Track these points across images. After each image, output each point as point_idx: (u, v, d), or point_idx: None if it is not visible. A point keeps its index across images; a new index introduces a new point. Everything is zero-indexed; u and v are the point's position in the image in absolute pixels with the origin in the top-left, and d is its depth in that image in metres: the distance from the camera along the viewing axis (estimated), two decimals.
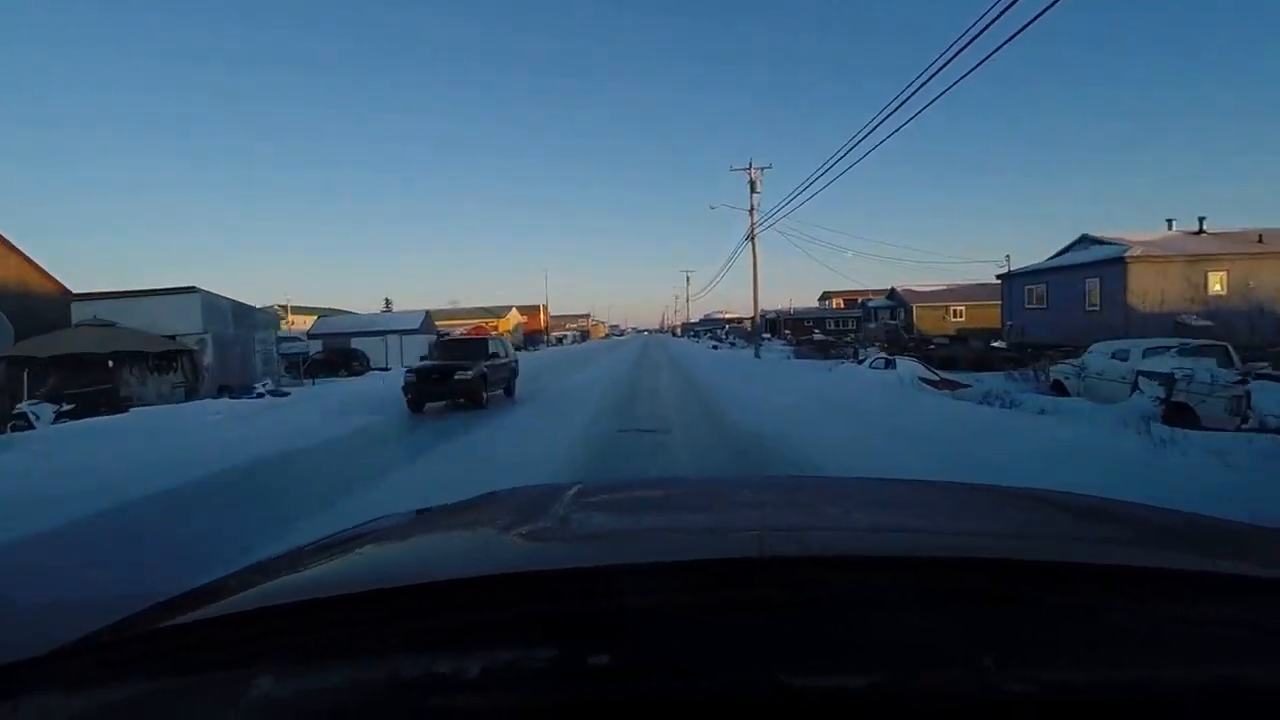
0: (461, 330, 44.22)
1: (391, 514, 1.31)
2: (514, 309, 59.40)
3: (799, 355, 29.70)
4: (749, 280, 29.91)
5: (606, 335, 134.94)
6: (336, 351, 29.68)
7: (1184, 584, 0.69)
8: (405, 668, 0.56)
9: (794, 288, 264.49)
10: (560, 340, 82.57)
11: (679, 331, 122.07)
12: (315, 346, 31.23)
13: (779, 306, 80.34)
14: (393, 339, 31.91)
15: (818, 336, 60.47)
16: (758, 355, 29.74)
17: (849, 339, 54.10)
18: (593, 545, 1.03)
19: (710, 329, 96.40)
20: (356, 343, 31.40)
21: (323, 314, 56.96)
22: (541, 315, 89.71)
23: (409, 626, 0.63)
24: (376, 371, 28.68)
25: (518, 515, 1.20)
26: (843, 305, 73.89)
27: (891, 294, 44.50)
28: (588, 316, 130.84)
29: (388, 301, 41.48)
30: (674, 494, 1.53)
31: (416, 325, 32.58)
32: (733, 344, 57.94)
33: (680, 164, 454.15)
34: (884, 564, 0.75)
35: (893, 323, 41.29)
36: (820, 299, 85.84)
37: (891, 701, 0.50)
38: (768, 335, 67.88)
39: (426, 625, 0.63)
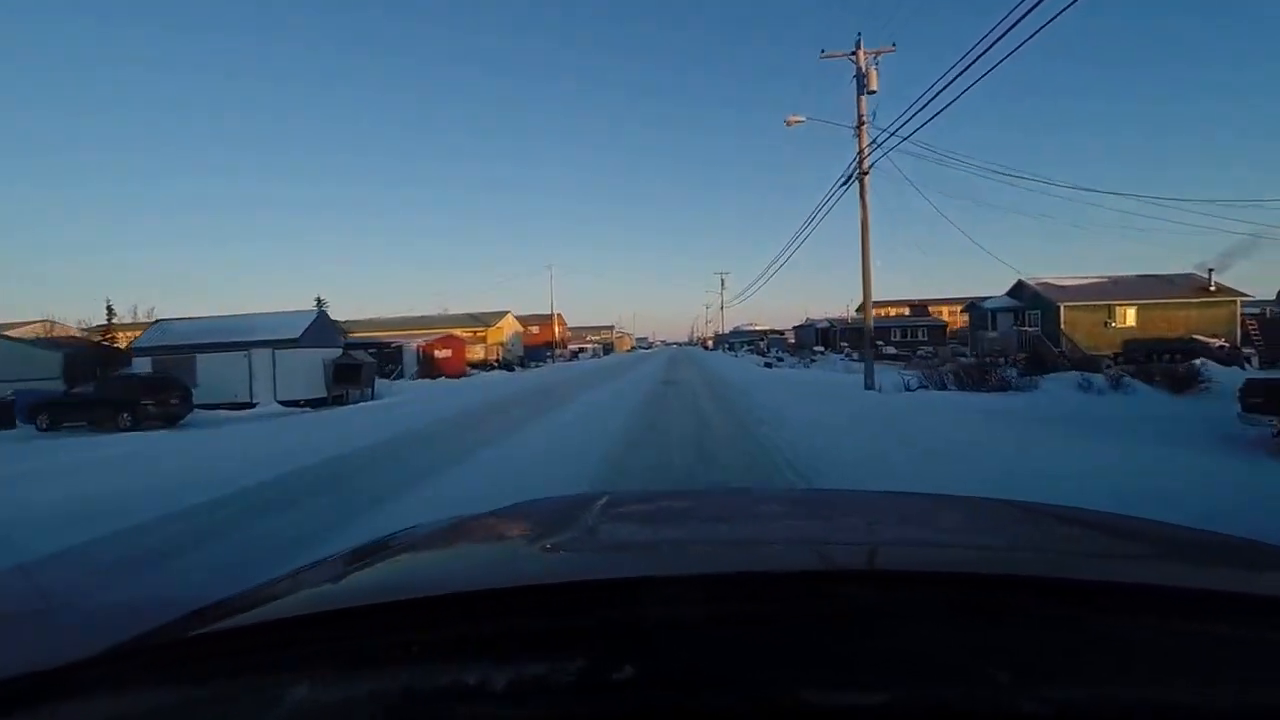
0: (421, 342, 33.22)
1: (422, 524, 1.35)
2: (509, 315, 48.03)
3: (928, 381, 17.48)
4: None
5: (632, 348, 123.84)
6: (125, 382, 17.50)
7: (1204, 603, 0.69)
8: (432, 678, 0.57)
9: (817, 300, 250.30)
10: (577, 354, 71.29)
11: (710, 344, 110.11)
12: (144, 365, 20.11)
13: (813, 316, 67.98)
14: (261, 355, 20.41)
15: (888, 350, 48.81)
16: (872, 385, 17.10)
17: (923, 352, 42.50)
18: (618, 557, 1.04)
19: (748, 341, 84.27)
20: (206, 360, 20.03)
21: None
22: (555, 326, 78.98)
23: (437, 637, 0.64)
24: (224, 419, 17.21)
25: (545, 526, 1.22)
26: (907, 312, 61.26)
27: (1017, 290, 31.62)
28: (611, 328, 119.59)
29: (319, 301, 30.38)
30: (700, 506, 1.55)
31: (297, 334, 20.71)
32: (779, 359, 46.05)
33: (707, 161, 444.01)
34: (905, 578, 0.76)
35: (1029, 330, 28.72)
36: (858, 309, 73.70)
37: (910, 717, 0.51)
38: (820, 349, 56.37)
39: (454, 635, 0.65)
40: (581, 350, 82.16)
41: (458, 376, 32.45)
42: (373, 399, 21.63)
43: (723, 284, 70.25)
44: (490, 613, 0.68)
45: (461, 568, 1.06)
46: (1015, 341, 27.66)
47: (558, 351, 67.95)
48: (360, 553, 1.12)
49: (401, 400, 20.03)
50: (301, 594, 0.89)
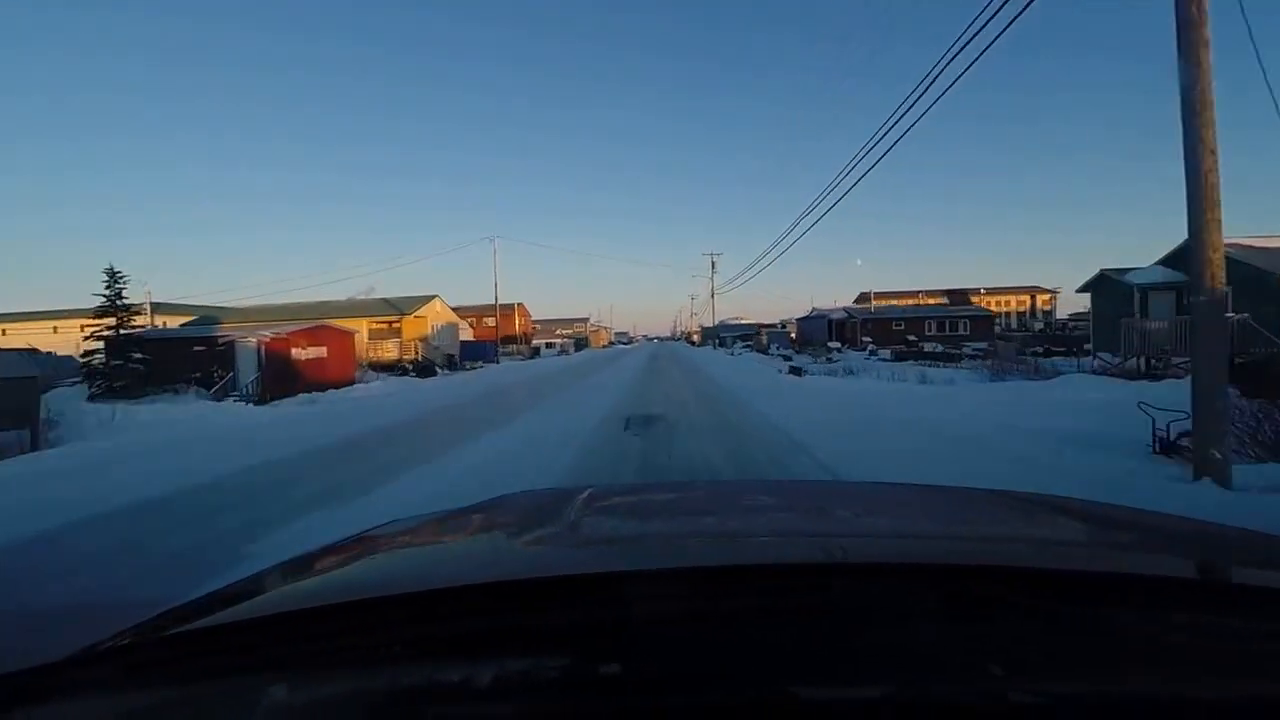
0: (266, 336, 22.03)
1: (403, 518, 1.32)
2: (436, 300, 36.39)
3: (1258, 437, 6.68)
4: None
5: (609, 343, 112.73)
6: None
7: (1198, 594, 0.69)
8: (415, 675, 0.56)
9: (801, 296, 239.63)
10: (538, 351, 60.08)
11: (696, 338, 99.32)
12: None
13: (799, 310, 57.44)
14: None
15: (930, 347, 38.32)
16: (1222, 471, 5.78)
17: (972, 349, 32.27)
18: (603, 551, 1.02)
19: (741, 335, 73.60)
20: None
21: (199, 313, 34.62)
22: (514, 316, 67.72)
23: (419, 633, 0.63)
24: None
25: (528, 520, 1.21)
26: (945, 301, 50.90)
27: (1181, 258, 20.83)
28: (585, 321, 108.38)
29: (112, 275, 19.02)
30: (685, 498, 1.53)
31: None
32: (787, 358, 35.49)
33: (692, 141, 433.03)
34: (895, 570, 0.75)
35: (1230, 317, 17.97)
36: (857, 300, 64.13)
37: (901, 713, 0.50)
38: (837, 345, 46.13)
39: (437, 632, 0.64)
40: (549, 345, 70.88)
41: (337, 385, 21.34)
42: (34, 449, 10.57)
43: (713, 266, 59.28)
44: (472, 609, 0.66)
45: (443, 563, 1.02)
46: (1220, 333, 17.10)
47: (512, 349, 56.81)
48: (339, 548, 1.10)
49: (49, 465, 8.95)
50: (279, 591, 0.88)
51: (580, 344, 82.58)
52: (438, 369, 31.92)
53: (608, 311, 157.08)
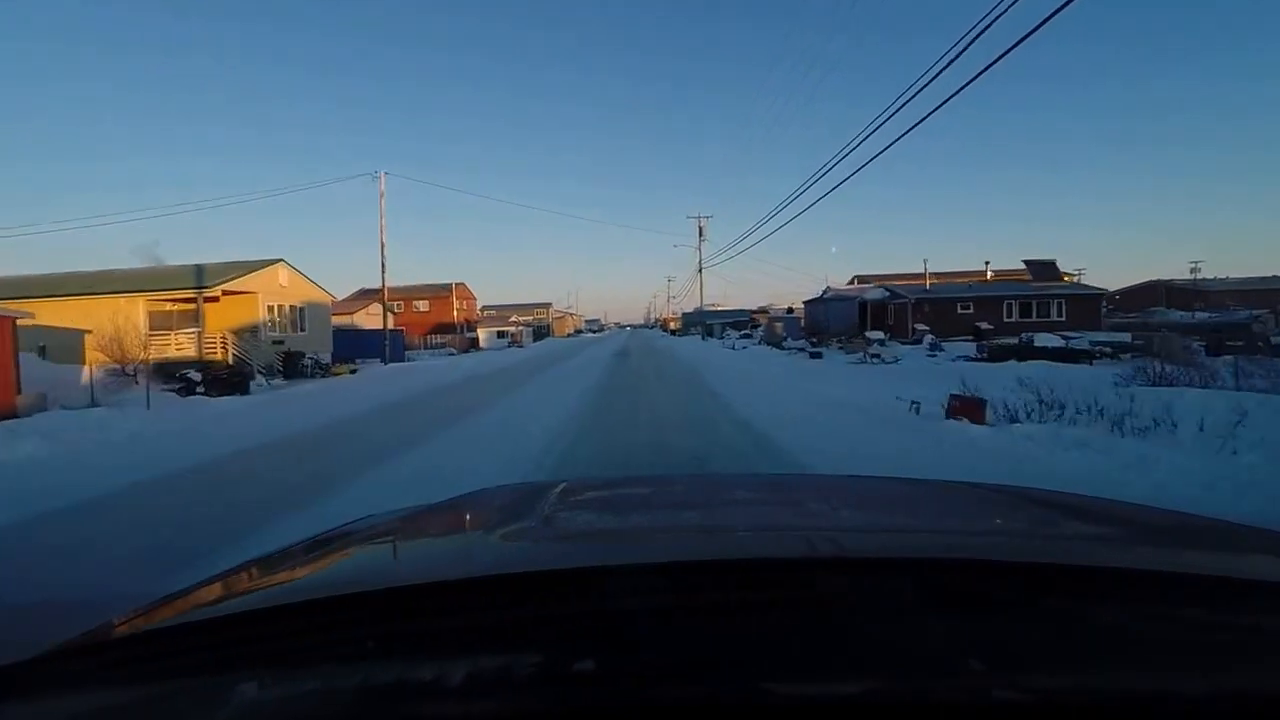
0: None
1: (376, 514, 1.29)
2: (280, 266, 22.87)
3: None
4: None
5: (576, 331, 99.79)
6: None
7: (1178, 587, 0.68)
8: (388, 673, 0.55)
9: (779, 286, 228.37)
10: (475, 343, 46.77)
11: (674, 325, 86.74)
12: None
13: (832, 288, 45.42)
14: None
15: (1046, 341, 26.15)
16: None
17: (1099, 342, 20.70)
18: (579, 546, 1.01)
19: (730, 322, 61.22)
20: None
21: None
22: (453, 301, 54.39)
23: (393, 630, 0.62)
24: None
25: (503, 515, 1.20)
26: (1030, 277, 38.75)
27: None
28: (548, 307, 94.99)
29: None
30: (662, 492, 1.50)
31: None
32: (817, 354, 23.56)
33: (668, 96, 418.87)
34: (874, 565, 0.74)
35: None
36: (850, 283, 52.63)
37: (881, 708, 0.49)
38: (879, 335, 33.91)
39: (411, 629, 0.63)
40: (500, 334, 57.69)
41: None
42: None
43: (701, 232, 46.54)
44: (448, 605, 0.66)
45: (419, 559, 1.02)
46: None
47: (441, 340, 43.63)
48: (315, 544, 1.08)
49: None
50: (253, 588, 0.88)
51: (540, 333, 69.43)
52: (261, 376, 18.84)
53: (575, 297, 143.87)
